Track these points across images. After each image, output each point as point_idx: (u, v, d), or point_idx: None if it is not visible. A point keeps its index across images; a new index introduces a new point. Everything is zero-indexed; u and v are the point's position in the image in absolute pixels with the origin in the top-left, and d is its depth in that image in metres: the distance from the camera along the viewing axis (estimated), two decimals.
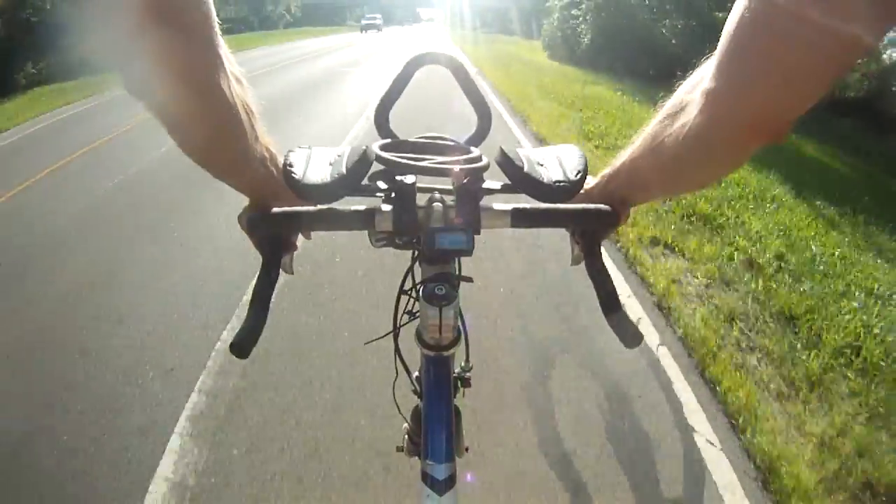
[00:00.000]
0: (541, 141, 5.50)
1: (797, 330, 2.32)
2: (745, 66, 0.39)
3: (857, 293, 2.70)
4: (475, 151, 0.60)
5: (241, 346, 0.51)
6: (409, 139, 0.65)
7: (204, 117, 0.46)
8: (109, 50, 0.39)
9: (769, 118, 0.41)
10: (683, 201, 3.57)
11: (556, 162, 0.57)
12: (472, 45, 20.41)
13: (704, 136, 0.44)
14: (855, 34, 0.33)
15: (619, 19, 12.32)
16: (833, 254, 3.22)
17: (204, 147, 0.49)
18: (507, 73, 10.84)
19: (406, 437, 0.83)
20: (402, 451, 0.86)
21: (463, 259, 0.67)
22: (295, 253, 0.63)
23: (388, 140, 0.63)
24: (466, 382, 0.77)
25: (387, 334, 0.73)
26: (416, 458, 0.64)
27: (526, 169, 0.54)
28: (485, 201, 0.56)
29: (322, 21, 44.41)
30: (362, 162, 0.52)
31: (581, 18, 13.65)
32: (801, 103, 0.39)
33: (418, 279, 0.64)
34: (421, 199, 0.58)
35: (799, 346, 2.21)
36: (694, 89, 0.45)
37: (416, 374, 0.72)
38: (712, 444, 1.72)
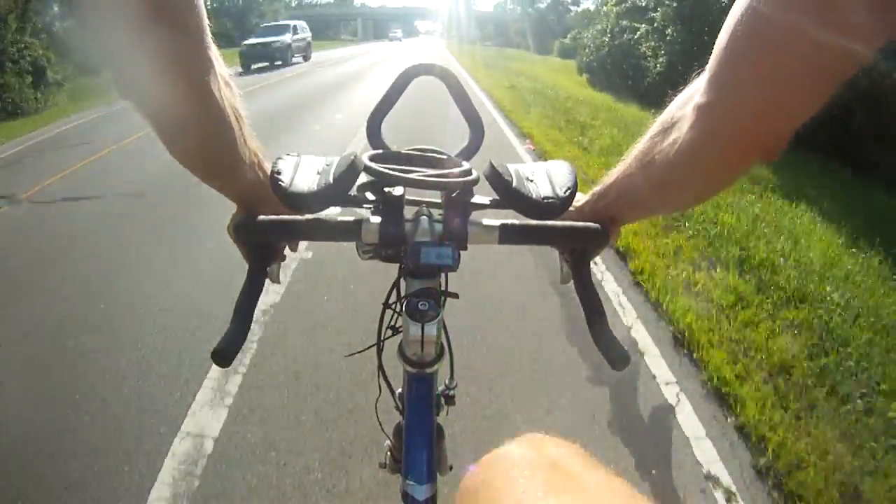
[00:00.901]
0: None
1: None
2: (738, 80, 0.38)
3: None
4: (465, 165, 0.59)
5: (223, 354, 0.50)
6: (400, 150, 0.64)
7: (196, 119, 0.47)
8: (106, 51, 0.40)
9: (762, 133, 0.40)
10: None
11: (545, 178, 0.56)
12: (479, 65, 16.42)
13: (696, 152, 0.44)
14: (849, 46, 0.32)
15: (707, 37, 8.88)
16: None
17: (195, 149, 0.50)
18: (579, 145, 5.66)
19: (388, 453, 0.82)
20: (385, 467, 0.83)
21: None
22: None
23: (378, 151, 0.62)
24: (450, 400, 0.73)
25: (369, 347, 0.70)
26: (399, 475, 0.65)
27: (514, 184, 0.53)
28: (474, 216, 0.57)
29: (314, 35, 40.93)
30: (350, 172, 0.52)
31: (647, 35, 10.15)
32: (795, 118, 0.39)
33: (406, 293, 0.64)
34: (409, 212, 0.57)
35: None
36: (685, 105, 0.45)
37: (400, 391, 0.71)
38: None
